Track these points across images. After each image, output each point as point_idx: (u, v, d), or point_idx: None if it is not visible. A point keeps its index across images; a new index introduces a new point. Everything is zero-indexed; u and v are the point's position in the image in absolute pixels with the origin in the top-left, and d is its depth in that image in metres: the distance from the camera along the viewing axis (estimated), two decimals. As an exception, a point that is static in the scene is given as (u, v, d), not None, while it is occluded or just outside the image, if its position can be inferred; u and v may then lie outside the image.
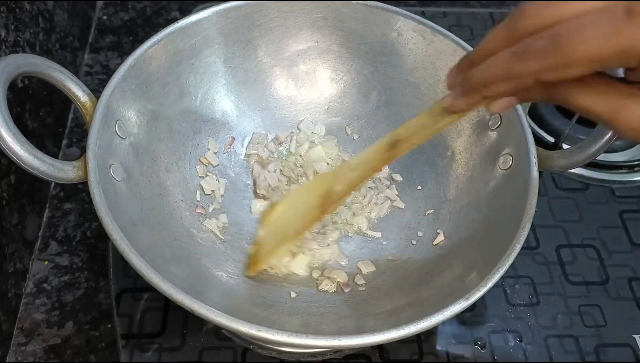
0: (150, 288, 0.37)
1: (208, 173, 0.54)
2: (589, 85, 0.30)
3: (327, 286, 0.49)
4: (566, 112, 0.64)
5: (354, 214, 0.54)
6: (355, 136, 0.59)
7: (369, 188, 0.55)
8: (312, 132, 0.59)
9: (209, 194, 0.53)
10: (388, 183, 0.56)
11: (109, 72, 0.69)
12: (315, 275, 0.50)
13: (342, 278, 0.49)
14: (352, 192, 0.52)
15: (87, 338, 0.50)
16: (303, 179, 0.56)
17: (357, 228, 0.53)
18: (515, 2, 0.81)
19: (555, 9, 0.28)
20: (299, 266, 0.50)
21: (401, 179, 0.56)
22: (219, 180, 0.54)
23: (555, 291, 0.54)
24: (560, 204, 0.60)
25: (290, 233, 0.49)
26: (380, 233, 0.53)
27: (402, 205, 0.54)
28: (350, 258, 0.51)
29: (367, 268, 0.50)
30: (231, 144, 0.56)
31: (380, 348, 0.49)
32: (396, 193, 0.55)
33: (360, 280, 0.49)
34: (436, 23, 0.53)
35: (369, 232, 0.53)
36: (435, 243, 0.50)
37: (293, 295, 0.48)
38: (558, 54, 0.27)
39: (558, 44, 0.27)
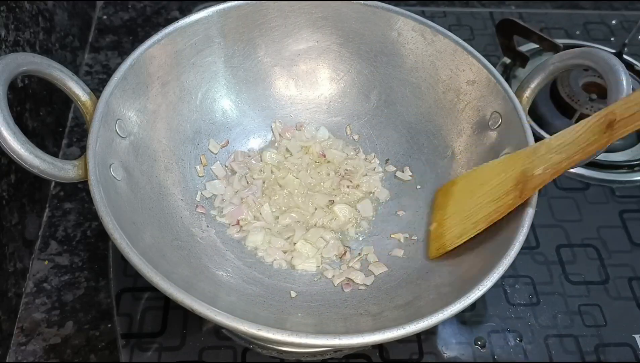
0: (150, 288, 0.37)
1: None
2: None
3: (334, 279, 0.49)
4: (566, 112, 0.64)
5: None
6: (355, 137, 0.59)
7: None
8: (312, 136, 0.59)
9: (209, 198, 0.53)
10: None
11: (109, 72, 0.69)
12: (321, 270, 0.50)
13: (342, 277, 0.49)
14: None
15: (87, 337, 0.50)
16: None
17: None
18: (515, 1, 0.81)
19: None
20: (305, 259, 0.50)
21: (410, 174, 0.56)
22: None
23: (555, 291, 0.54)
24: (560, 204, 0.60)
25: (481, 217, 0.45)
26: (380, 269, 0.50)
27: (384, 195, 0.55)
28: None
29: (378, 269, 0.50)
30: (224, 147, 0.56)
31: (380, 347, 0.49)
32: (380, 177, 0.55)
33: (360, 280, 0.49)
34: (436, 23, 0.53)
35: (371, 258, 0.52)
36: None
37: (293, 294, 0.48)
38: None
39: None
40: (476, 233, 0.45)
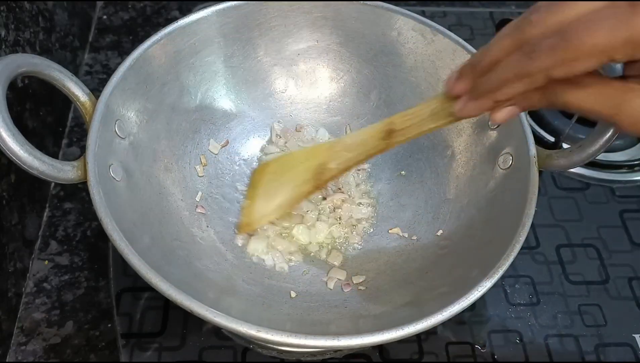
0: (150, 288, 0.37)
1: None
2: (588, 85, 0.30)
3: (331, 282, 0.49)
4: (566, 112, 0.64)
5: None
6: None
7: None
8: (315, 136, 0.59)
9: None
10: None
11: (108, 72, 0.69)
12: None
13: (342, 277, 0.49)
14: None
15: (87, 337, 0.50)
16: None
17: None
18: (515, 1, 0.81)
19: (561, 13, 0.29)
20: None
21: (404, 173, 0.56)
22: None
23: (555, 291, 0.54)
24: (560, 203, 0.60)
25: (283, 200, 0.50)
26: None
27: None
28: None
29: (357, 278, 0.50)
30: (224, 147, 0.56)
31: (380, 348, 0.49)
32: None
33: (360, 280, 0.49)
34: (436, 22, 0.53)
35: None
36: (435, 243, 0.50)
37: (293, 294, 0.48)
38: (567, 48, 0.28)
39: (567, 40, 0.28)
40: (278, 216, 0.50)
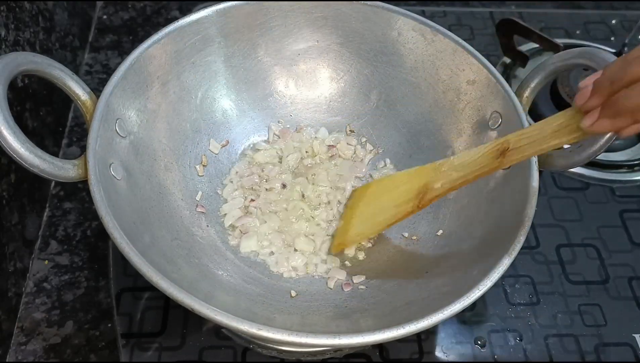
0: (150, 288, 0.37)
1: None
2: None
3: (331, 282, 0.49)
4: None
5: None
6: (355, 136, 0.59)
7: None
8: (315, 137, 0.59)
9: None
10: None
11: (109, 72, 0.69)
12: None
13: (342, 276, 0.49)
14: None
15: (87, 337, 0.50)
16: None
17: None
18: (515, 1, 0.81)
19: None
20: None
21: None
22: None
23: (555, 291, 0.54)
24: (560, 203, 0.60)
25: (381, 219, 0.49)
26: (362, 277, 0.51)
27: None
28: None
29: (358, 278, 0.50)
30: (224, 146, 0.56)
31: (380, 347, 0.49)
32: None
33: (360, 279, 0.49)
34: (436, 22, 0.53)
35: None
36: (435, 242, 0.50)
37: (293, 294, 0.48)
38: None
39: None
40: (375, 235, 0.51)
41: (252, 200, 0.54)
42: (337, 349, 0.48)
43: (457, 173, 0.44)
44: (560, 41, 0.66)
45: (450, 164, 0.45)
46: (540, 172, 0.45)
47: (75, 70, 0.67)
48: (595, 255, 0.56)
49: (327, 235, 0.53)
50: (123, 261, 0.52)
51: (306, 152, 0.58)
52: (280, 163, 0.57)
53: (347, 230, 0.51)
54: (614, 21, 0.79)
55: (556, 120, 0.38)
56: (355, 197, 0.53)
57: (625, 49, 0.70)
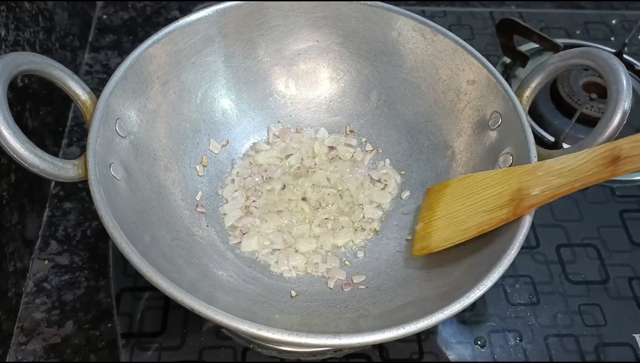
0: (150, 287, 0.37)
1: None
2: None
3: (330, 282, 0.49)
4: (566, 112, 0.64)
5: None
6: (355, 136, 0.59)
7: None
8: (315, 137, 0.59)
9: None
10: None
11: (109, 71, 0.69)
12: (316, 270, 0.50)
13: (342, 276, 0.49)
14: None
15: (87, 337, 0.50)
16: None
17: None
18: (515, 1, 0.81)
19: None
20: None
21: (400, 177, 0.56)
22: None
23: (555, 291, 0.54)
24: (560, 203, 0.59)
25: (471, 226, 0.45)
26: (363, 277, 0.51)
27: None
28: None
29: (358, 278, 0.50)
30: (224, 147, 0.56)
31: (380, 347, 0.49)
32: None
33: (360, 279, 0.49)
34: (436, 22, 0.53)
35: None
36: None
37: (293, 294, 0.48)
38: None
39: None
40: (464, 241, 0.45)
41: (254, 201, 0.54)
42: (337, 349, 0.48)
43: (559, 180, 0.40)
44: (560, 41, 0.66)
45: (548, 168, 0.41)
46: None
47: (75, 70, 0.67)
48: (595, 254, 0.56)
49: (329, 236, 0.53)
50: (123, 261, 0.52)
51: (307, 153, 0.58)
52: (281, 164, 0.57)
53: (429, 233, 0.48)
54: (614, 21, 0.79)
55: None
56: (431, 197, 0.50)
57: (625, 49, 0.70)
